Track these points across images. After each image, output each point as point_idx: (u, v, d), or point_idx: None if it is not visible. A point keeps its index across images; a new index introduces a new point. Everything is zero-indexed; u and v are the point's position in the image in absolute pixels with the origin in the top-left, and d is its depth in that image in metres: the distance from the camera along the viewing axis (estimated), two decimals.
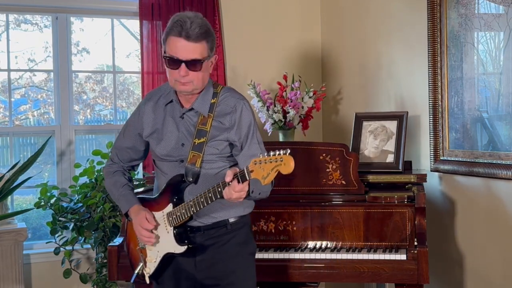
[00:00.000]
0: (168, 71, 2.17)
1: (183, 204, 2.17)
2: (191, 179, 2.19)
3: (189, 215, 2.15)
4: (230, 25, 4.33)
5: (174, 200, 2.20)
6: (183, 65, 2.11)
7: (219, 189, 2.04)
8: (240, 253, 2.29)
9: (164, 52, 2.16)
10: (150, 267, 2.28)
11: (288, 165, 1.90)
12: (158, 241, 2.25)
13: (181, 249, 2.19)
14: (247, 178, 1.95)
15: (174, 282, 2.29)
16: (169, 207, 2.21)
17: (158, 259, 2.25)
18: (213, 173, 2.22)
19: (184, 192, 2.22)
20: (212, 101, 2.24)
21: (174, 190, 2.22)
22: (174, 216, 2.19)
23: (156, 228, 2.24)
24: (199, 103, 2.23)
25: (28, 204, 4.18)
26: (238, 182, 1.96)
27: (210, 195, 2.07)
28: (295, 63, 4.45)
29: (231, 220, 2.27)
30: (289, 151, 1.91)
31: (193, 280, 2.27)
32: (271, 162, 1.90)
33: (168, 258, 2.25)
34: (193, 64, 2.11)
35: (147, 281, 2.29)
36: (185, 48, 2.10)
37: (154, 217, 2.25)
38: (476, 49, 3.11)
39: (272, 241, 3.02)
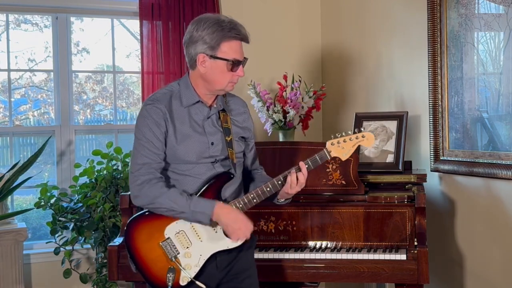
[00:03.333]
0: (225, 73, 2.21)
1: (239, 199, 2.25)
2: (235, 175, 2.30)
3: (247, 208, 2.25)
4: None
5: (219, 198, 2.26)
6: (241, 66, 2.25)
7: (279, 182, 2.26)
8: (250, 247, 2.39)
9: (217, 57, 2.19)
10: (190, 273, 2.24)
11: (370, 139, 2.31)
12: (201, 244, 2.25)
13: (237, 243, 2.24)
14: (328, 158, 2.27)
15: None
16: None
17: (202, 262, 2.24)
18: (240, 170, 2.37)
19: (224, 190, 2.28)
20: (225, 99, 2.37)
21: (219, 188, 2.27)
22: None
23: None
24: (221, 102, 2.33)
25: (28, 204, 4.18)
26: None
27: (268, 189, 2.25)
28: (295, 63, 4.45)
29: None
30: (364, 129, 2.35)
31: (216, 280, 2.31)
32: (351, 140, 2.30)
33: (210, 260, 2.27)
34: (244, 64, 2.27)
35: (202, 286, 2.22)
36: (241, 50, 2.26)
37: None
38: (476, 49, 3.11)
39: (272, 241, 3.02)
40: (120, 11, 4.25)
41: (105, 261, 3.76)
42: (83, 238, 3.84)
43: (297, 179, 2.25)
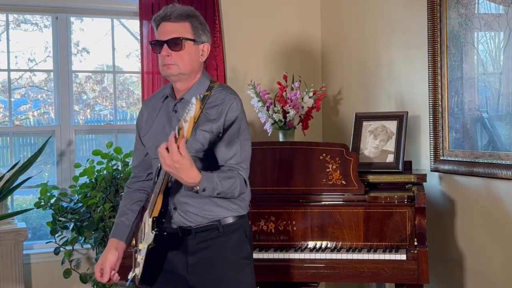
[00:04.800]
0: (158, 57, 2.23)
1: (153, 190, 2.17)
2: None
3: (156, 197, 2.11)
4: (230, 25, 4.33)
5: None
6: (165, 45, 2.17)
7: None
8: (233, 257, 2.22)
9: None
10: (140, 268, 2.20)
11: (197, 107, 1.79)
12: (145, 238, 2.19)
13: (152, 236, 2.11)
14: (176, 136, 1.86)
15: (168, 286, 2.24)
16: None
17: (144, 256, 2.17)
18: (201, 164, 2.15)
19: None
20: (206, 93, 2.22)
21: (154, 181, 2.20)
22: (150, 205, 2.17)
23: (145, 225, 2.22)
24: (191, 93, 2.20)
25: (28, 204, 4.18)
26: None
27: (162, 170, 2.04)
28: (295, 63, 4.45)
29: (224, 222, 2.20)
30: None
31: (186, 284, 2.21)
32: (187, 112, 1.80)
33: (151, 255, 2.16)
34: (174, 43, 2.16)
35: (136, 282, 2.22)
36: (166, 29, 2.18)
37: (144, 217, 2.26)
38: (476, 49, 3.11)
39: (272, 241, 3.02)
40: (120, 11, 4.25)
41: None
42: (83, 238, 3.84)
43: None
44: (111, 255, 2.26)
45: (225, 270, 2.20)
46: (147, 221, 2.17)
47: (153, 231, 2.11)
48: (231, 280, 2.20)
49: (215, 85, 2.27)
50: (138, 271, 2.21)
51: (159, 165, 2.06)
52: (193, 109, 1.78)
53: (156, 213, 2.12)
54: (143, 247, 2.19)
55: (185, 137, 1.86)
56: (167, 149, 1.90)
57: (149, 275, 2.21)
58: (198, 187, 2.01)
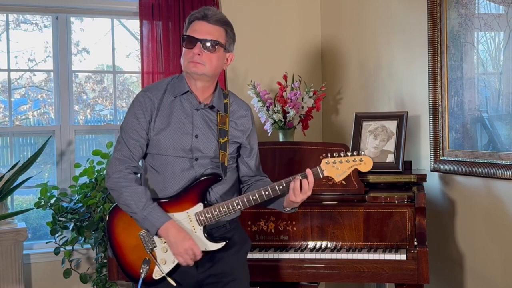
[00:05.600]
0: (184, 52, 2.24)
1: (222, 203, 2.20)
2: (225, 178, 2.25)
3: (230, 213, 2.21)
4: None
5: (204, 198, 2.22)
6: (198, 43, 2.19)
7: (281, 187, 2.21)
8: (239, 251, 2.34)
9: (182, 36, 2.27)
10: (164, 268, 2.22)
11: (368, 164, 2.19)
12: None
13: (217, 246, 2.22)
14: (321, 176, 2.20)
15: (177, 281, 2.26)
16: (198, 207, 2.21)
17: (177, 261, 2.21)
18: (231, 173, 2.32)
19: (211, 191, 2.25)
20: (225, 101, 2.31)
21: (206, 189, 2.23)
22: (209, 216, 2.20)
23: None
24: (217, 101, 2.28)
25: (28, 204, 4.18)
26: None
27: (267, 193, 2.18)
28: (295, 63, 4.45)
29: (229, 219, 2.31)
30: (364, 152, 2.22)
31: (195, 279, 2.27)
32: (347, 162, 2.19)
33: None
34: (208, 44, 2.20)
35: (173, 283, 2.20)
36: (202, 28, 2.21)
37: (173, 218, 2.21)
38: (476, 49, 3.11)
39: (272, 241, 3.02)
40: (120, 11, 4.25)
41: (105, 261, 3.76)
42: (83, 238, 3.84)
43: (301, 186, 2.19)
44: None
45: (232, 264, 2.30)
46: (191, 227, 2.21)
47: (220, 240, 2.23)
48: (238, 272, 2.32)
49: (226, 92, 2.37)
50: (163, 270, 2.22)
51: (220, 178, 2.25)
52: (365, 166, 2.21)
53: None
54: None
55: (337, 182, 2.28)
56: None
57: (172, 272, 2.25)
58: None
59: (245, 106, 2.38)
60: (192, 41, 2.19)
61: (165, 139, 2.22)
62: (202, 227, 2.21)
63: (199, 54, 2.18)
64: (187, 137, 2.22)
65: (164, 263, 2.22)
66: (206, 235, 2.22)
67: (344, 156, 2.19)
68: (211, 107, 2.27)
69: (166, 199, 2.23)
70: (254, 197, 2.19)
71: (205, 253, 2.22)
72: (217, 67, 2.25)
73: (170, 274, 2.23)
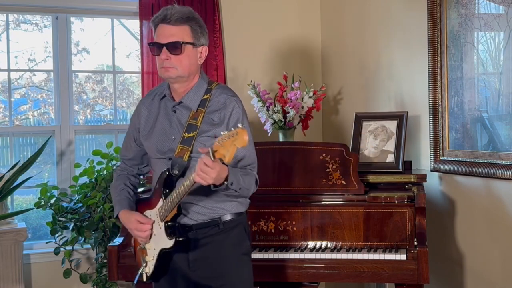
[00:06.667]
0: (156, 59, 2.24)
1: (169, 196, 2.16)
2: (176, 172, 2.18)
3: (174, 205, 2.14)
4: (230, 25, 4.33)
5: (163, 194, 2.20)
6: (164, 48, 2.18)
7: (193, 175, 2.01)
8: (233, 253, 2.27)
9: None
10: (150, 266, 2.26)
11: (241, 138, 1.85)
12: (154, 238, 2.24)
13: (170, 243, 2.17)
14: (211, 159, 1.92)
15: (169, 281, 2.28)
16: (161, 202, 2.21)
17: (156, 257, 2.23)
18: None
19: (175, 187, 2.20)
20: (205, 97, 2.25)
21: (164, 185, 2.21)
22: (163, 210, 2.19)
23: (152, 226, 2.24)
24: (190, 97, 2.25)
25: (28, 204, 4.18)
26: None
27: (187, 182, 2.06)
28: (295, 63, 4.45)
29: (224, 219, 2.25)
30: (241, 125, 1.90)
31: (187, 280, 2.26)
32: (229, 138, 1.87)
33: (164, 255, 2.23)
34: (173, 47, 2.17)
35: (144, 278, 2.27)
36: (165, 32, 2.18)
37: (147, 216, 2.26)
38: (476, 49, 3.11)
39: (272, 241, 3.02)
40: (120, 11, 4.25)
41: (105, 261, 3.75)
42: (83, 238, 3.84)
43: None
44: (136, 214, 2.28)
45: (225, 266, 2.24)
46: (158, 224, 2.21)
47: (173, 237, 2.17)
48: (231, 275, 2.25)
49: (213, 86, 2.30)
50: (147, 269, 2.26)
51: (167, 172, 2.19)
52: (239, 139, 1.84)
53: (169, 217, 2.18)
54: (151, 247, 2.25)
55: (226, 162, 1.92)
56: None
57: (159, 273, 2.27)
58: (226, 182, 2.06)
59: (224, 98, 2.25)
60: (158, 47, 2.19)
61: (149, 143, 2.31)
62: (163, 223, 2.20)
63: (167, 59, 2.18)
64: (167, 140, 2.26)
65: (150, 260, 2.26)
66: (165, 229, 2.19)
67: (226, 132, 1.90)
68: (180, 103, 2.25)
69: (147, 198, 2.31)
70: (181, 188, 2.09)
71: (184, 249, 2.22)
72: (190, 66, 2.22)
73: (156, 271, 2.25)
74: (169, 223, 2.18)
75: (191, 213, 2.22)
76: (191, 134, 2.20)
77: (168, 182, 2.21)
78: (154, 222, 2.24)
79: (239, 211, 2.29)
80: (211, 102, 2.24)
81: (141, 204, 2.34)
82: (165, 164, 2.24)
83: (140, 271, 2.28)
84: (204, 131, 2.20)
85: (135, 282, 2.28)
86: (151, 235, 2.25)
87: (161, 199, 2.21)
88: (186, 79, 2.24)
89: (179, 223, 2.21)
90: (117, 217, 2.35)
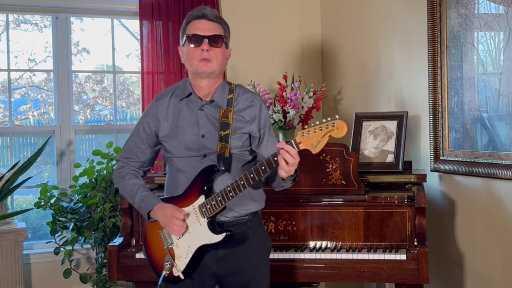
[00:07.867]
0: (191, 51, 2.26)
1: (218, 193, 2.19)
2: (223, 168, 2.24)
3: (226, 201, 2.18)
4: (230, 25, 4.29)
5: (205, 190, 2.23)
6: (205, 40, 2.23)
7: (263, 167, 2.09)
8: (260, 250, 2.36)
9: (184, 40, 2.29)
10: (180, 265, 2.26)
11: (341, 128, 1.98)
12: (189, 236, 2.25)
13: (218, 237, 2.21)
14: (296, 150, 2.03)
15: (196, 278, 2.29)
16: (201, 199, 2.23)
17: (190, 254, 2.25)
18: (238, 166, 2.30)
19: (214, 183, 2.25)
20: (230, 96, 2.33)
21: (206, 181, 2.24)
22: (208, 206, 2.21)
23: (185, 222, 2.25)
24: (219, 96, 2.31)
25: (28, 204, 4.18)
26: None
27: (252, 175, 2.12)
28: (295, 63, 4.45)
29: (250, 216, 2.32)
30: (337, 116, 2.01)
31: (213, 276, 2.30)
32: (321, 130, 1.99)
33: (200, 252, 2.25)
34: (215, 40, 2.25)
35: (182, 277, 2.25)
36: (205, 26, 2.26)
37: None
38: (476, 49, 3.11)
39: (272, 241, 3.01)
40: (120, 11, 4.25)
41: (105, 261, 3.75)
42: (83, 238, 3.84)
43: (286, 161, 2.07)
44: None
45: (251, 262, 2.32)
46: (197, 220, 2.23)
47: (219, 232, 2.21)
48: (256, 271, 2.33)
49: (233, 86, 2.39)
50: (179, 267, 2.25)
51: (215, 168, 2.22)
52: (337, 130, 1.96)
53: (216, 213, 2.22)
54: (183, 245, 2.26)
55: (314, 153, 2.03)
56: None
57: (191, 270, 2.27)
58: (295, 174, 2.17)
59: (250, 96, 2.37)
60: (198, 39, 2.24)
61: (176, 142, 2.30)
62: (206, 219, 2.22)
63: (207, 50, 2.23)
64: (194, 138, 2.28)
65: (180, 259, 2.26)
66: (211, 227, 2.23)
67: (316, 125, 2.01)
68: (211, 102, 2.30)
69: (177, 197, 2.29)
70: (242, 182, 2.15)
71: (214, 246, 2.23)
72: (222, 63, 2.31)
73: (188, 269, 2.25)
74: (213, 219, 2.23)
75: (225, 210, 2.26)
76: (227, 132, 2.26)
77: (209, 179, 2.24)
78: (188, 220, 2.24)
79: (260, 209, 2.39)
80: (237, 101, 2.32)
81: (169, 203, 2.30)
82: (198, 162, 2.26)
83: (165, 272, 2.24)
84: (238, 129, 2.28)
85: (159, 283, 2.27)
86: (183, 232, 2.25)
87: (201, 196, 2.23)
88: (216, 75, 2.30)
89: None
90: (147, 216, 2.33)
